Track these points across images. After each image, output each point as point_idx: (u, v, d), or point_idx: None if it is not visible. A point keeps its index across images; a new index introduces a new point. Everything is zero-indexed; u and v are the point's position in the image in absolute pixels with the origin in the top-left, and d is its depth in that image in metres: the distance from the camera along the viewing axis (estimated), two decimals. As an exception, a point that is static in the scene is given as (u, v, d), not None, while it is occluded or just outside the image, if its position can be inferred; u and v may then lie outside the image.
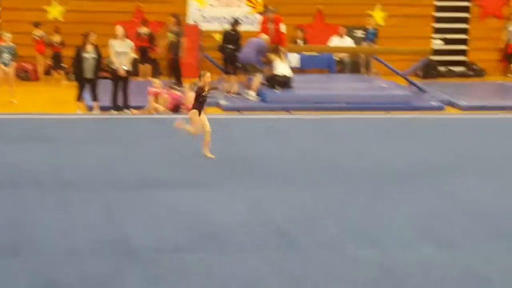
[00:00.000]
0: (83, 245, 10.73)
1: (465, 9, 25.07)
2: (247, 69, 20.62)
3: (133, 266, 10.09)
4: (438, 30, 24.95)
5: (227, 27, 21.49)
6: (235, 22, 21.19)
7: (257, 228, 11.54)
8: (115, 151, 15.38)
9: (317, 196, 13.03)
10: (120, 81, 19.08)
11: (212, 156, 14.65)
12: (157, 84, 19.20)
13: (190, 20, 23.66)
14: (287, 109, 19.70)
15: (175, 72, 21.51)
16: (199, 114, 14.57)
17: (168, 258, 10.37)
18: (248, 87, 20.63)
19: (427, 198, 13.02)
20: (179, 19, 21.91)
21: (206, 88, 14.46)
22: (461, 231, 11.57)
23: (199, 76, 14.64)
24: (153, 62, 23.35)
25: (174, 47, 21.72)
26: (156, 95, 19.04)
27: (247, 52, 20.45)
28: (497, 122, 18.91)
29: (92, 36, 18.79)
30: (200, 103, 14.47)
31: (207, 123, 14.53)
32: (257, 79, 20.44)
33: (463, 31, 25.20)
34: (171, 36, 21.90)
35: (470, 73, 24.90)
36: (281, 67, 20.56)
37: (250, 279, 9.85)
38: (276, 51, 20.63)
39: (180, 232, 11.27)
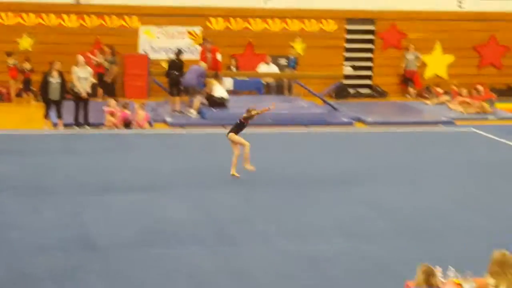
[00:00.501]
0: (52, 242, 10.65)
1: (370, 41, 25.31)
2: (189, 91, 20.61)
3: (96, 261, 10.05)
4: (348, 59, 25.13)
5: (172, 56, 21.46)
6: (179, 52, 21.18)
7: (201, 225, 11.58)
8: (79, 161, 15.25)
9: (250, 198, 13.09)
10: (81, 102, 18.95)
11: (253, 168, 14.17)
12: (112, 104, 19.10)
13: (140, 50, 23.55)
14: (223, 125, 19.73)
15: (108, 91, 21.63)
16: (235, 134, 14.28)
17: (126, 253, 10.35)
18: (190, 106, 20.62)
19: (342, 199, 13.14)
20: (113, 49, 21.91)
21: (247, 119, 14.24)
22: (373, 228, 11.70)
23: (248, 111, 14.36)
24: (109, 85, 23.21)
25: (107, 73, 21.95)
26: (112, 114, 18.95)
27: (189, 77, 20.45)
28: (398, 135, 19.13)
29: (57, 64, 18.64)
30: (239, 128, 14.20)
31: (244, 141, 14.18)
32: (198, 99, 20.45)
33: (369, 59, 25.41)
34: (106, 64, 22.07)
35: (375, 94, 25.11)
36: (219, 90, 20.61)
37: (195, 269, 9.89)
38: (216, 77, 20.71)
39: (136, 230, 11.24)
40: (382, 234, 11.44)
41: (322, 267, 10.07)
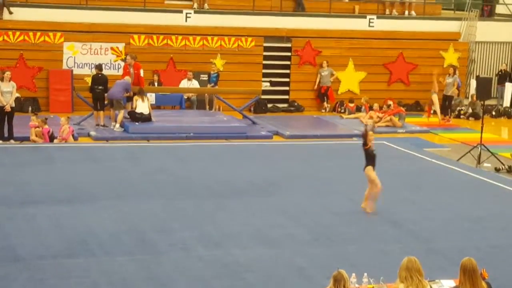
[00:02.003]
0: (-24, 254, 10.39)
1: (287, 58, 25.51)
2: (113, 104, 20.41)
3: (20, 271, 9.84)
4: (266, 75, 25.26)
5: (95, 71, 21.19)
6: (99, 67, 20.98)
7: (124, 235, 11.46)
8: (2, 173, 14.92)
9: (171, 208, 13.02)
10: (5, 116, 18.54)
11: (371, 210, 12.92)
12: (35, 119, 18.74)
13: (64, 66, 23.21)
14: (146, 138, 19.61)
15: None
16: (373, 169, 12.85)
17: (50, 263, 10.17)
18: (114, 120, 20.42)
19: (259, 208, 13.20)
20: None
21: (370, 144, 12.74)
22: (289, 235, 11.78)
23: (363, 136, 12.90)
24: (33, 100, 22.82)
25: None
26: (36, 128, 18.59)
27: (114, 91, 20.27)
28: (314, 147, 19.31)
29: (-19, 79, 18.23)
30: (371, 159, 12.82)
31: (378, 181, 12.84)
32: (121, 114, 20.26)
33: (286, 75, 25.57)
34: None
35: (292, 108, 25.27)
36: (140, 106, 20.45)
37: (117, 278, 9.79)
38: (140, 92, 20.54)
39: (60, 241, 11.05)
40: (298, 241, 11.51)
41: (240, 273, 10.09)
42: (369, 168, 12.83)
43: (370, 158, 12.83)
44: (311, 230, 12.06)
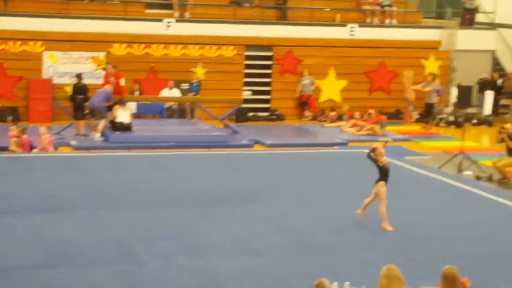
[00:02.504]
0: (-45, 265, 10.34)
1: (268, 66, 25.57)
2: (94, 114, 20.40)
3: (0, 282, 9.80)
4: (247, 83, 25.33)
5: (75, 80, 21.16)
6: (80, 76, 20.97)
7: (105, 245, 11.43)
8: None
9: (153, 217, 13.00)
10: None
11: (391, 229, 12.68)
12: (14, 129, 18.67)
13: (44, 75, 23.15)
14: (127, 148, 19.59)
15: None
16: (385, 185, 12.61)
17: (30, 273, 10.13)
18: (95, 129, 20.39)
19: (241, 217, 13.21)
20: None
21: (381, 159, 12.53)
22: (271, 244, 11.81)
23: (372, 150, 12.61)
24: (13, 110, 22.74)
25: None
26: (15, 138, 18.52)
27: (95, 100, 20.26)
28: (295, 156, 19.36)
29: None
30: (385, 174, 12.61)
31: (383, 196, 12.62)
32: (102, 123, 20.25)
33: (267, 84, 25.66)
34: None
35: (273, 117, 25.34)
36: (121, 115, 20.44)
37: (99, 288, 9.79)
38: (120, 102, 20.52)
39: (40, 251, 11.02)
40: (280, 250, 11.54)
41: (222, 283, 10.09)
42: (382, 183, 12.70)
43: (384, 173, 12.70)
44: (293, 239, 12.08)
